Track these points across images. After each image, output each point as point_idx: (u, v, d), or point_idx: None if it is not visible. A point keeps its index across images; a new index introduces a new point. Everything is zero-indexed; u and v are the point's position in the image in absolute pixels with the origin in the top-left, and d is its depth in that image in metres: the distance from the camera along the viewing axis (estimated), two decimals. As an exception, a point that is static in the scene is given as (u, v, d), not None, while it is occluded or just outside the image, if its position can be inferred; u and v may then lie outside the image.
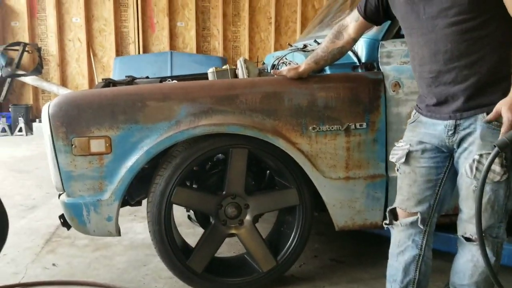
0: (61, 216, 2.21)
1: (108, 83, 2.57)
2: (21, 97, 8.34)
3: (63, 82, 8.14)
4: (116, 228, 2.13)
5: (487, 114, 1.53)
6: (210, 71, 2.65)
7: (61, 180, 2.07)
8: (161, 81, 2.89)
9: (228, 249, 2.74)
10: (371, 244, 2.83)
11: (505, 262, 2.20)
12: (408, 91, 2.14)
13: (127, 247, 2.85)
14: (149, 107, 2.03)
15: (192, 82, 2.17)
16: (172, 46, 8.31)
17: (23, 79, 7.94)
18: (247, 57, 8.32)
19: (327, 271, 2.49)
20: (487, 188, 1.56)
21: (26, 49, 7.91)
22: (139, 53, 8.18)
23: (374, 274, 2.44)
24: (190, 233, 2.95)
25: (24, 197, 3.98)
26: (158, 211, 2.10)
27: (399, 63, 2.18)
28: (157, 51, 8.29)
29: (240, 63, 2.59)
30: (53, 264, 2.60)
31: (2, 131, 7.78)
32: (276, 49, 8.41)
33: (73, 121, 2.01)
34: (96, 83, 8.07)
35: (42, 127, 2.08)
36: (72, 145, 2.02)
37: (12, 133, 7.85)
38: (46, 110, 2.04)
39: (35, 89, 8.16)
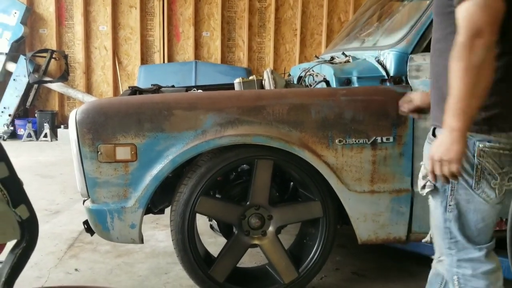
0: (85, 222, 2.23)
1: (135, 90, 2.60)
2: (47, 103, 8.49)
3: (88, 89, 8.26)
4: (139, 236, 2.14)
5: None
6: (237, 81, 2.65)
7: (86, 186, 2.09)
8: (186, 91, 2.92)
9: (250, 259, 2.72)
10: (393, 259, 2.77)
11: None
12: None
13: (149, 254, 2.85)
14: (175, 116, 2.04)
15: (219, 92, 2.18)
16: (197, 56, 8.38)
17: (49, 85, 8.09)
18: (272, 68, 8.34)
19: (348, 285, 2.45)
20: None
21: (53, 56, 8.07)
22: (163, 62, 8.26)
23: (396, 291, 2.40)
24: (212, 242, 2.95)
25: (48, 202, 4.03)
26: (181, 220, 2.10)
27: (428, 77, 2.15)
28: (182, 60, 8.37)
29: (267, 74, 2.59)
30: (76, 269, 2.62)
31: (27, 136, 7.93)
32: (301, 61, 8.41)
33: (100, 128, 2.03)
34: (121, 91, 8.21)
35: (69, 133, 2.10)
36: (98, 152, 2.04)
37: (37, 139, 7.99)
38: (73, 116, 2.07)
39: (61, 96, 8.30)
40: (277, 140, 2.05)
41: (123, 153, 2.05)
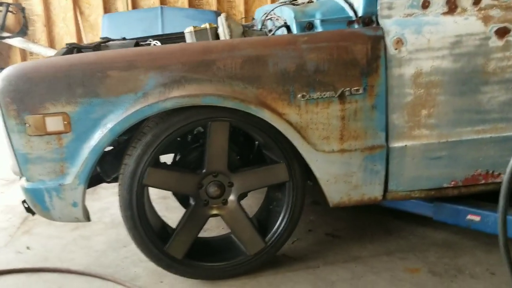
0: (24, 201, 1.98)
1: (72, 48, 2.28)
2: (9, 60, 8.00)
3: (51, 43, 7.76)
4: (84, 214, 1.91)
5: None
6: (187, 31, 2.35)
7: (18, 163, 1.83)
8: (137, 43, 2.60)
9: (217, 224, 2.53)
10: (370, 215, 2.60)
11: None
12: (412, 48, 1.85)
13: (108, 225, 2.64)
14: (111, 78, 1.76)
15: (160, 47, 1.89)
16: (163, 1, 7.86)
17: (9, 41, 7.58)
18: (242, 10, 7.89)
19: (322, 249, 2.28)
20: None
21: (10, 9, 7.51)
22: (128, 9, 7.74)
23: (373, 251, 2.23)
24: (177, 207, 2.71)
25: (5, 170, 3.75)
26: (129, 195, 1.87)
27: (402, 15, 1.88)
28: (147, 6, 7.85)
29: (221, 21, 2.29)
30: (27, 248, 2.41)
31: (-10, 97, 7.50)
32: (273, 1, 7.94)
33: (25, 97, 1.75)
34: (85, 42, 7.74)
35: (-9, 104, 1.81)
36: (25, 124, 1.76)
37: None
38: (-6, 84, 1.77)
39: (23, 51, 7.80)
40: (231, 99, 1.78)
41: (54, 123, 1.78)
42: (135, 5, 7.75)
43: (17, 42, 7.58)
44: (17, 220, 2.77)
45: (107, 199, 2.99)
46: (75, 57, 1.85)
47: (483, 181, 2.04)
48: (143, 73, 1.76)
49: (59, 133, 1.79)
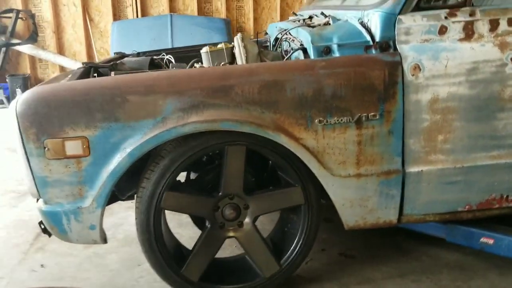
0: (41, 222, 2.00)
1: (89, 67, 2.29)
2: (18, 67, 8.06)
3: (60, 50, 7.81)
4: (101, 236, 1.93)
5: None
6: (204, 51, 2.36)
7: (36, 186, 1.84)
8: (152, 59, 2.61)
9: (230, 243, 2.53)
10: (383, 235, 2.60)
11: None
12: (429, 74, 1.86)
13: (121, 242, 2.65)
14: (131, 103, 1.77)
15: (179, 71, 1.89)
16: (172, 8, 7.89)
17: (18, 48, 7.62)
18: (251, 18, 7.91)
19: (336, 269, 2.28)
20: None
21: (20, 16, 7.56)
22: (137, 16, 7.78)
23: (386, 273, 2.23)
24: (189, 223, 2.73)
25: (17, 182, 3.77)
26: (146, 218, 1.88)
27: (420, 41, 1.88)
28: (156, 13, 7.89)
29: (237, 42, 2.30)
30: (41, 266, 2.42)
31: (0, 103, 7.55)
32: (282, 8, 7.96)
33: (44, 121, 1.76)
34: (94, 50, 7.78)
35: (11, 127, 1.83)
36: (45, 147, 1.78)
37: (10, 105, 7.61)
38: (13, 107, 1.79)
39: (32, 58, 7.85)
40: (248, 124, 1.79)
41: (73, 147, 1.79)
42: (144, 13, 7.79)
43: (26, 48, 7.62)
44: (30, 235, 2.78)
45: (120, 215, 3.01)
46: (94, 81, 1.87)
47: (497, 205, 2.04)
48: (162, 98, 1.77)
49: (78, 156, 1.80)
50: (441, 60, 1.86)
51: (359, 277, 2.20)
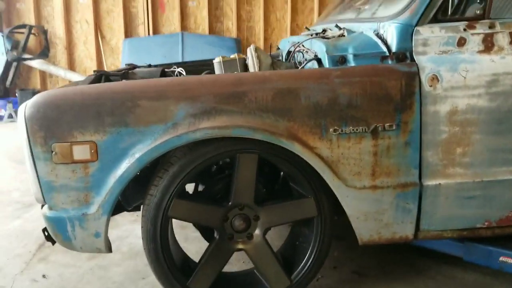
0: (45, 229, 1.94)
1: (100, 75, 2.27)
2: (28, 82, 8.12)
3: (71, 66, 7.87)
4: (105, 245, 1.86)
5: None
6: (217, 61, 2.33)
7: (41, 190, 1.79)
8: (163, 71, 2.59)
9: (237, 257, 2.46)
10: (396, 252, 2.52)
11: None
12: (448, 86, 1.81)
13: (125, 255, 2.58)
14: (141, 108, 1.73)
15: (191, 78, 1.86)
16: (183, 27, 7.96)
17: (29, 63, 7.68)
18: (262, 38, 7.96)
19: (348, 287, 2.19)
20: None
21: (32, 31, 7.64)
22: (148, 34, 7.85)
23: (401, 292, 2.14)
24: (196, 238, 2.67)
25: (22, 193, 3.74)
26: (153, 227, 1.82)
27: (438, 52, 1.84)
28: (168, 32, 7.96)
29: (250, 52, 2.27)
30: (43, 276, 2.35)
31: (8, 117, 7.58)
32: (292, 29, 8.01)
33: (53, 125, 1.72)
34: (105, 66, 7.83)
35: (19, 130, 1.79)
36: (52, 151, 1.73)
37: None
38: (22, 111, 1.76)
39: (43, 73, 7.92)
40: (261, 131, 1.74)
41: (81, 152, 1.75)
42: (156, 31, 7.86)
43: (37, 64, 7.68)
44: (33, 246, 2.72)
45: (125, 227, 2.95)
46: (104, 85, 1.83)
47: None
48: (173, 104, 1.73)
49: (85, 161, 1.76)
50: (460, 71, 1.82)
51: (372, 296, 2.11)
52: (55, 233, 1.85)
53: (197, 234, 2.70)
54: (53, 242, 1.96)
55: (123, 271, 2.40)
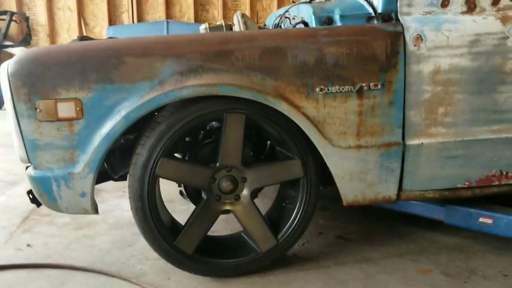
0: (30, 192, 1.93)
1: (85, 38, 2.25)
2: (10, 69, 7.97)
3: (54, 53, 7.76)
4: (92, 205, 1.85)
5: None
6: (202, 27, 2.33)
7: (26, 149, 1.78)
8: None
9: (224, 226, 2.48)
10: (379, 221, 2.55)
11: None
12: (432, 45, 1.83)
13: (112, 226, 2.57)
14: (127, 64, 1.72)
15: (178, 36, 1.85)
16: (169, 15, 7.94)
17: (11, 50, 7.58)
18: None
19: (333, 250, 2.22)
20: None
21: (13, 18, 7.54)
22: (133, 22, 7.80)
23: (384, 253, 2.17)
24: (185, 210, 2.68)
25: (5, 173, 3.69)
26: (140, 186, 1.82)
27: (422, 13, 1.86)
28: (152, 20, 7.93)
29: (237, 18, 2.27)
30: (28, 245, 2.33)
31: (-10, 104, 7.46)
32: (276, 18, 8.03)
33: (37, 81, 1.71)
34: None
35: (2, 88, 1.77)
36: (36, 109, 1.72)
37: (0, 107, 7.53)
38: (5, 68, 1.74)
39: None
40: (249, 90, 1.75)
41: (66, 109, 1.74)
42: (140, 19, 7.81)
43: (19, 51, 7.57)
44: (17, 219, 2.69)
45: (110, 202, 2.94)
46: (90, 43, 1.82)
47: (496, 182, 2.00)
48: (159, 61, 1.73)
49: (70, 119, 1.74)
50: (444, 31, 1.85)
51: (356, 257, 2.14)
52: (41, 193, 1.84)
53: (185, 207, 2.72)
54: (38, 204, 1.94)
55: (110, 240, 2.39)
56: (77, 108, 1.73)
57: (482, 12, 1.89)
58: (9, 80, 1.72)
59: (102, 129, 1.75)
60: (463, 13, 1.88)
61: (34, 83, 1.71)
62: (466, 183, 1.98)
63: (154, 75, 1.73)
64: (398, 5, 1.88)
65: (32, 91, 1.71)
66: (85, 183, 1.80)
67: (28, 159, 1.80)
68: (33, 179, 1.81)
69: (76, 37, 2.26)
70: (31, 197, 1.94)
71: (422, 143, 1.90)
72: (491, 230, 2.06)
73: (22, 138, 1.77)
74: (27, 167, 1.88)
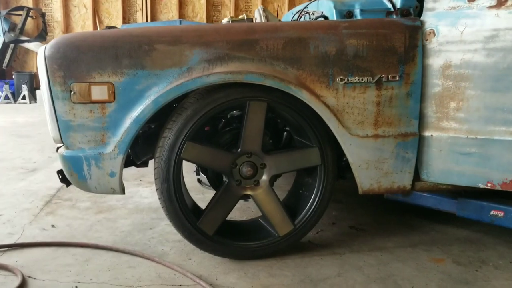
0: (60, 172, 2.02)
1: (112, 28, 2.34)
2: (25, 65, 8.14)
3: (68, 49, 7.88)
4: (120, 185, 1.94)
5: None
6: (225, 21, 2.42)
7: (59, 130, 1.87)
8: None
9: (241, 215, 2.56)
10: (391, 213, 2.63)
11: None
12: (444, 40, 1.88)
13: (132, 210, 2.66)
14: (158, 51, 1.81)
15: (206, 25, 1.94)
16: (181, 15, 8.06)
17: (26, 45, 7.73)
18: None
19: (347, 239, 2.30)
20: None
21: (30, 14, 7.69)
22: (146, 21, 7.92)
23: (397, 243, 2.24)
24: (200, 198, 2.77)
25: (24, 161, 3.80)
26: (166, 167, 1.90)
27: (446, 8, 1.89)
28: (166, 19, 8.04)
29: (258, 12, 2.36)
30: (52, 226, 2.42)
31: (5, 98, 7.60)
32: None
33: (72, 65, 1.80)
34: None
35: (39, 70, 1.87)
36: (71, 91, 1.81)
37: (15, 101, 7.67)
38: (42, 52, 1.83)
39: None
40: (271, 78, 1.83)
41: (99, 92, 1.83)
42: (154, 18, 7.93)
43: (34, 46, 7.72)
44: (39, 202, 2.79)
45: (129, 189, 3.02)
46: (123, 30, 1.91)
47: None
48: (188, 49, 1.82)
49: (103, 102, 1.83)
50: (458, 26, 1.88)
51: (370, 245, 2.21)
52: (71, 172, 1.92)
53: (200, 195, 2.81)
54: (68, 184, 2.04)
55: (130, 222, 2.47)
56: (110, 92, 1.82)
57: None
58: (45, 63, 1.81)
59: (132, 112, 1.84)
60: (491, 7, 1.83)
61: (70, 66, 1.80)
62: (489, 185, 1.95)
63: (183, 62, 1.82)
64: (425, 0, 1.94)
65: (67, 74, 1.81)
66: (115, 163, 1.89)
67: (61, 139, 1.89)
68: (65, 159, 1.90)
69: (105, 26, 2.34)
70: (60, 176, 2.03)
71: (432, 135, 1.95)
72: (502, 223, 2.11)
73: (56, 119, 1.86)
74: (57, 149, 1.97)
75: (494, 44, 1.86)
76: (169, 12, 8.02)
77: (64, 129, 1.87)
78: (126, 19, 7.94)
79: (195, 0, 8.06)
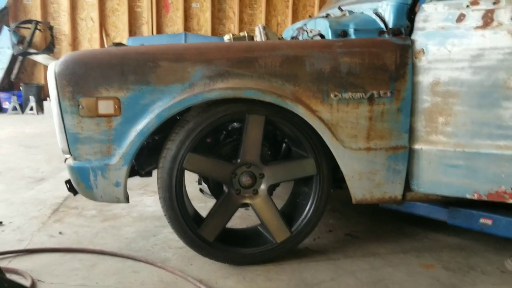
0: (68, 181, 2.13)
1: (119, 45, 2.47)
2: (33, 76, 8.30)
3: (75, 61, 8.04)
4: (124, 194, 2.04)
5: None
6: (226, 38, 2.54)
7: (67, 142, 1.98)
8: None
9: (241, 223, 2.66)
10: (386, 221, 2.72)
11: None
12: (432, 58, 1.99)
13: (136, 218, 2.76)
14: (162, 68, 1.93)
15: (208, 43, 2.06)
16: (186, 28, 8.21)
17: (34, 58, 7.89)
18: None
19: (342, 245, 2.39)
20: None
21: (38, 27, 7.86)
22: (152, 34, 8.08)
23: (389, 249, 2.34)
24: (202, 207, 2.86)
25: (32, 170, 3.92)
26: (169, 177, 2.01)
27: (436, 28, 2.00)
28: (171, 32, 8.20)
29: (258, 30, 2.48)
30: (60, 233, 2.53)
31: (13, 110, 7.75)
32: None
33: (80, 80, 1.92)
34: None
35: (49, 86, 1.98)
36: (79, 105, 1.93)
37: (23, 112, 7.82)
38: (52, 68, 1.95)
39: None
40: (269, 94, 1.94)
41: (106, 107, 1.94)
42: (159, 31, 8.09)
43: (41, 59, 7.89)
44: (47, 211, 2.89)
45: (133, 199, 3.13)
46: (129, 47, 2.03)
47: (510, 200, 1.98)
48: (191, 66, 1.93)
49: (109, 116, 1.95)
50: (447, 45, 1.98)
51: (364, 251, 2.30)
52: (78, 182, 2.03)
53: (202, 204, 2.91)
54: (75, 193, 2.14)
55: (134, 230, 2.57)
56: (116, 106, 1.93)
57: (498, 26, 1.90)
58: (55, 79, 1.93)
59: (137, 125, 1.95)
60: (477, 28, 1.93)
61: (78, 82, 1.92)
62: (475, 195, 2.03)
63: (185, 78, 1.93)
64: (415, 20, 2.04)
65: (76, 89, 1.92)
66: (120, 174, 1.99)
67: (69, 151, 2.00)
68: (72, 169, 2.01)
69: (112, 43, 2.48)
70: (68, 186, 2.14)
71: (421, 148, 2.05)
72: (491, 231, 2.20)
73: (64, 132, 1.97)
74: (65, 160, 2.08)
75: (480, 63, 1.96)
76: (175, 25, 8.18)
77: (72, 141, 1.98)
78: (132, 32, 8.10)
79: (200, 14, 8.22)
